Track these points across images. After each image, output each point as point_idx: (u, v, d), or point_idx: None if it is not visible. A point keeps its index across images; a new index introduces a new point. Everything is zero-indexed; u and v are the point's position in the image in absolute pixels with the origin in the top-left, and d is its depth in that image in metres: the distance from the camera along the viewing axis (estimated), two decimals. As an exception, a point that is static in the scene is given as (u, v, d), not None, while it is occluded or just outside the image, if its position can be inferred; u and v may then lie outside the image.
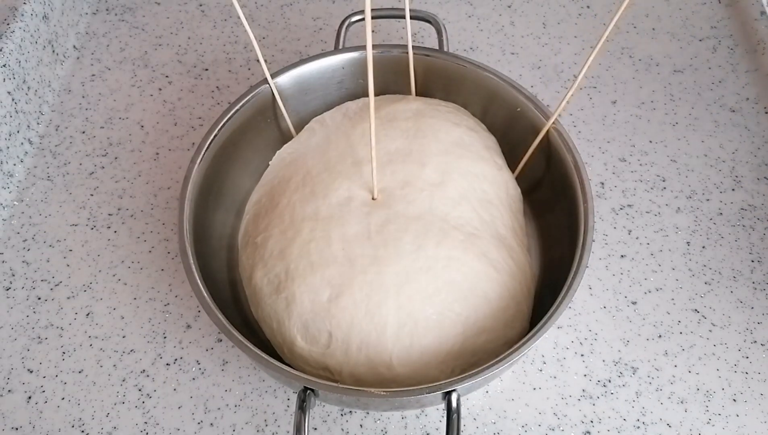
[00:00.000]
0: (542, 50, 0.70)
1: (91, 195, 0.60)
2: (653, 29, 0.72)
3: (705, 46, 0.71)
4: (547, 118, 0.50)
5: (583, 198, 0.46)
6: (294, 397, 0.49)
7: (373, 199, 0.48)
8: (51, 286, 0.55)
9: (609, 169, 0.61)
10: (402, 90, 0.58)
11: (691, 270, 0.55)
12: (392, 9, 0.58)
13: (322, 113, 0.57)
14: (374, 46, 0.54)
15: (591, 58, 0.44)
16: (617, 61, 0.69)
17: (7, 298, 0.54)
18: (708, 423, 0.48)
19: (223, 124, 0.51)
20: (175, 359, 0.51)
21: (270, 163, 0.55)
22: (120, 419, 0.49)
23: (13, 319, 0.53)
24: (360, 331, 0.43)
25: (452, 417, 0.39)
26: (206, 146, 0.50)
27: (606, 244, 0.57)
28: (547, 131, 0.50)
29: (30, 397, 0.50)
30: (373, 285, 0.44)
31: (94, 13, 0.74)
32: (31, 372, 0.51)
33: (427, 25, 0.59)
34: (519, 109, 0.53)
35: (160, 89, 0.68)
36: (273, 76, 0.53)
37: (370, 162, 0.46)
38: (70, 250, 0.57)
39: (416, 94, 0.57)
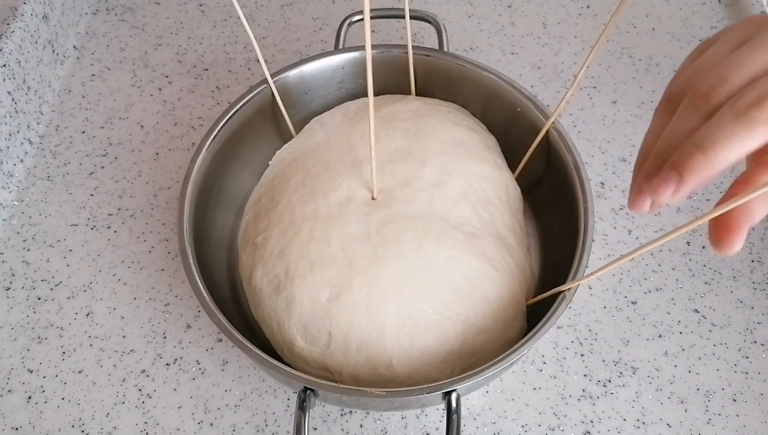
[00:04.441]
0: (542, 50, 0.70)
1: (91, 195, 0.60)
2: (653, 29, 0.72)
3: (705, 46, 0.71)
4: (547, 118, 0.50)
5: (583, 198, 0.46)
6: (294, 397, 0.49)
7: (372, 199, 0.48)
8: (51, 286, 0.55)
9: (609, 169, 0.61)
10: (402, 90, 0.57)
11: (691, 270, 0.55)
12: (392, 9, 0.58)
13: (322, 113, 0.57)
14: (374, 46, 0.54)
15: (590, 58, 0.43)
16: (617, 61, 0.69)
17: (7, 298, 0.54)
18: (708, 423, 0.48)
19: (223, 124, 0.51)
20: (175, 359, 0.51)
21: (270, 163, 0.55)
22: (120, 419, 0.49)
23: (13, 319, 0.53)
24: (360, 332, 0.43)
25: (452, 417, 0.39)
26: (206, 146, 0.50)
27: (606, 244, 0.57)
28: (547, 131, 0.50)
29: (30, 397, 0.50)
30: (372, 285, 0.44)
31: (94, 13, 0.74)
32: (31, 372, 0.51)
33: (427, 25, 0.59)
34: (519, 109, 0.53)
35: (160, 89, 0.68)
36: (273, 76, 0.53)
37: (370, 162, 0.46)
38: (70, 250, 0.57)
39: (416, 94, 0.57)
